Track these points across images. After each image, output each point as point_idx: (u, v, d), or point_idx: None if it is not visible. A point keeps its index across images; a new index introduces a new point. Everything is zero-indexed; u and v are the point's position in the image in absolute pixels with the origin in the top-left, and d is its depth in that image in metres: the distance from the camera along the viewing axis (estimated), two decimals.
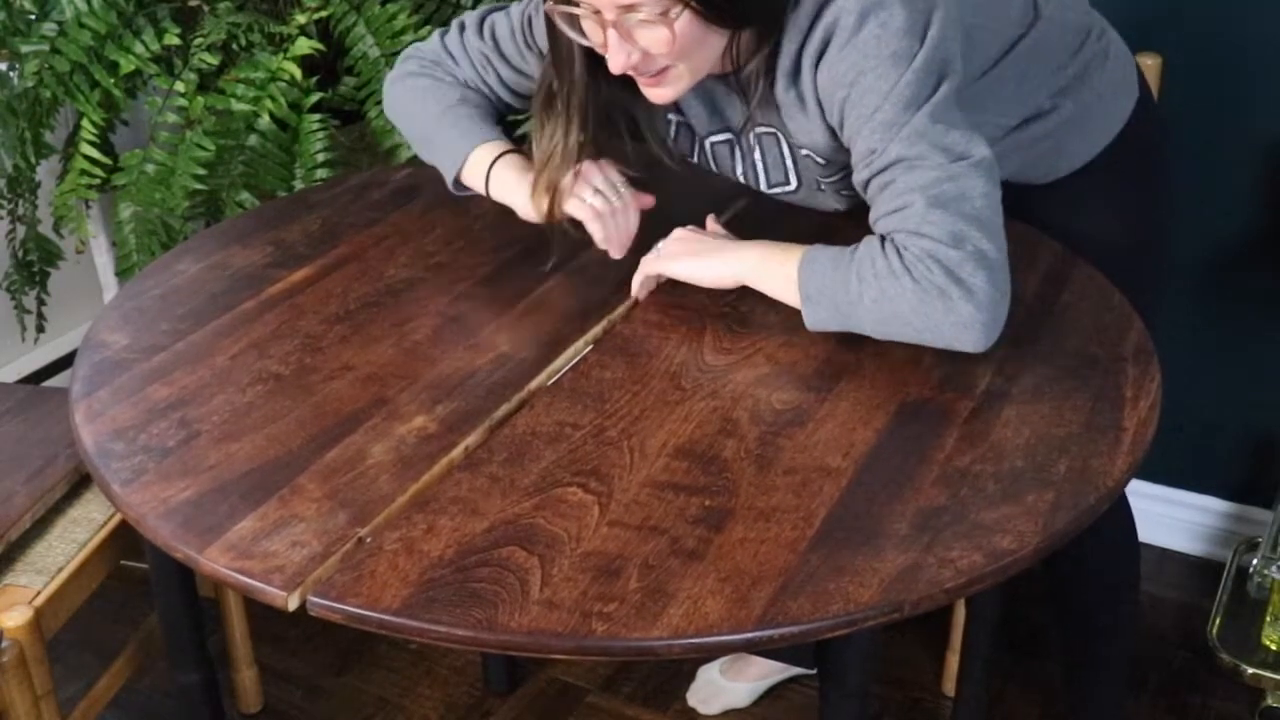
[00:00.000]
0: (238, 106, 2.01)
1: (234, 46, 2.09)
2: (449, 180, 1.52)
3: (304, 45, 2.02)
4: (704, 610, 0.98)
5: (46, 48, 2.06)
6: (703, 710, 2.01)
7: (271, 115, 2.02)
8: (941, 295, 1.21)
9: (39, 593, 1.49)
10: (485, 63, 1.54)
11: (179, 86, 2.05)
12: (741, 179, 1.48)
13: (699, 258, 1.38)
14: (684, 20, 1.26)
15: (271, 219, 1.65)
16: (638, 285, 1.41)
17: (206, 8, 2.13)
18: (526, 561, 1.03)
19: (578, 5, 1.29)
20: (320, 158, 2.02)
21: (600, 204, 1.41)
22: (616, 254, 1.45)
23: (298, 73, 2.02)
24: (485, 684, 2.05)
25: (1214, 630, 1.92)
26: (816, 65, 1.31)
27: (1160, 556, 2.29)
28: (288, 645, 2.15)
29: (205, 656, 1.46)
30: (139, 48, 2.06)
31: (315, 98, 2.07)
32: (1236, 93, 1.98)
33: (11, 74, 2.14)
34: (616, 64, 1.29)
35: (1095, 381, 1.26)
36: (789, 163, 1.43)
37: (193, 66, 2.04)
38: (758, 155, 1.44)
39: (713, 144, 1.47)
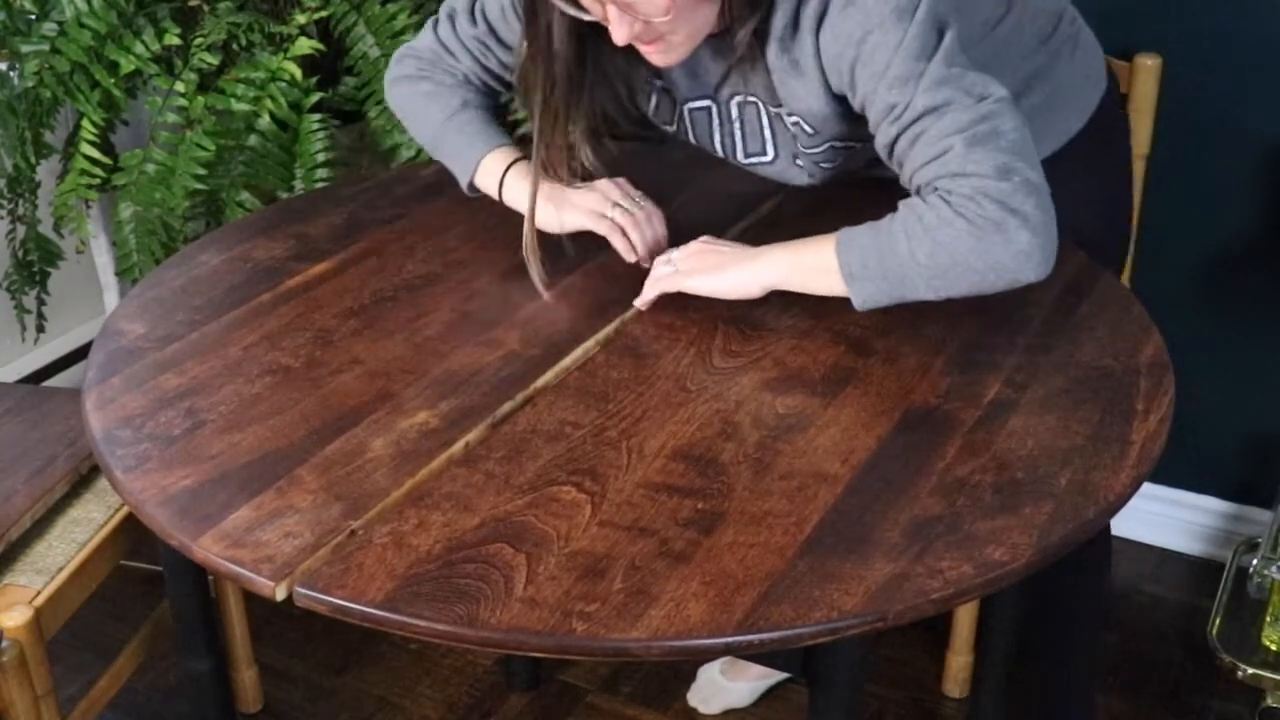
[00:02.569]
0: (238, 106, 2.02)
1: (234, 46, 2.10)
2: (463, 184, 1.54)
3: (304, 45, 2.03)
4: (685, 613, 0.97)
5: (46, 48, 2.07)
6: (703, 710, 2.00)
7: (271, 115, 2.03)
8: (998, 228, 1.21)
9: (39, 593, 1.49)
10: (484, 50, 1.53)
11: (179, 86, 2.06)
12: (719, 148, 1.47)
13: (720, 271, 1.36)
14: None
15: (298, 213, 1.66)
16: (649, 298, 1.39)
17: (206, 8, 2.14)
18: (513, 559, 1.03)
19: None
20: (320, 158, 2.03)
21: (622, 217, 1.40)
22: (647, 261, 1.43)
23: (298, 73, 2.03)
24: (507, 681, 2.06)
25: (1214, 630, 1.91)
26: (817, 29, 1.30)
27: (1160, 556, 2.28)
28: (288, 645, 2.15)
29: (215, 644, 1.48)
30: (139, 48, 2.07)
31: (315, 98, 2.07)
32: (1236, 93, 1.97)
33: (11, 74, 2.15)
34: (620, 36, 1.29)
35: (1106, 393, 1.24)
36: (767, 134, 1.43)
37: (193, 66, 2.05)
38: (736, 124, 1.44)
39: (691, 110, 1.46)
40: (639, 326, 1.38)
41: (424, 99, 1.55)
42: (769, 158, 1.44)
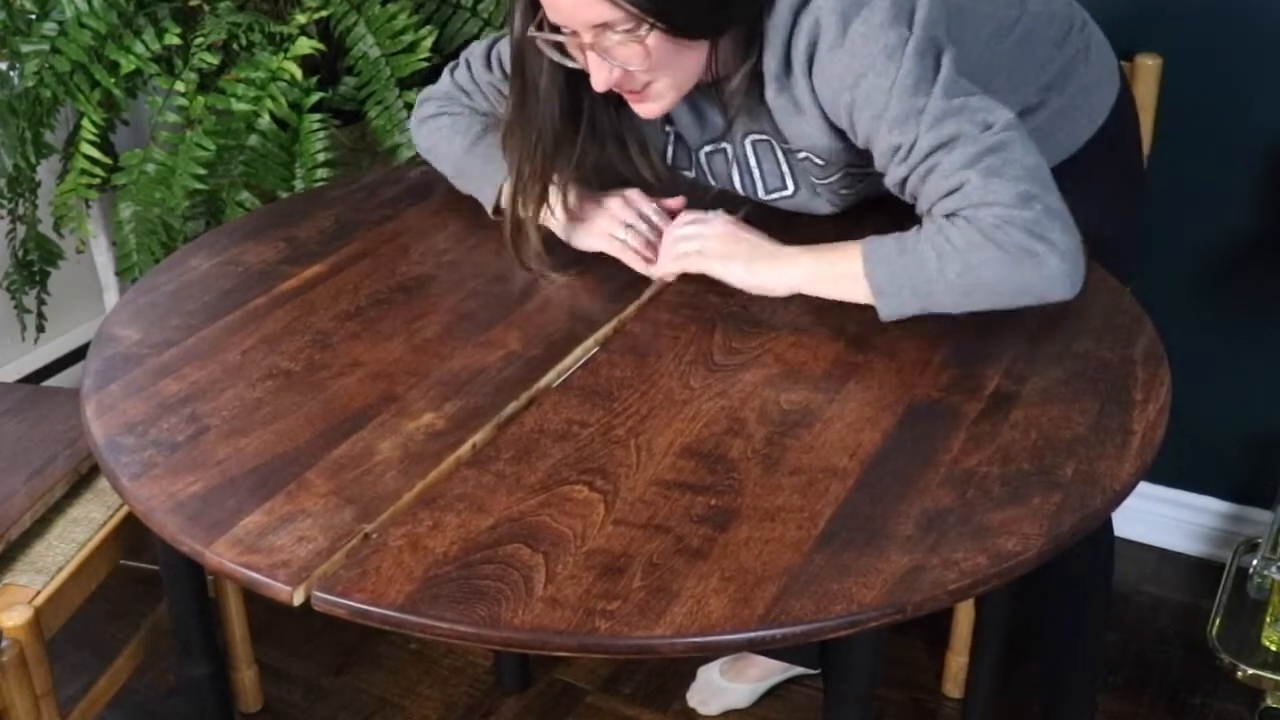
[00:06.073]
0: (238, 106, 2.02)
1: (234, 46, 2.10)
2: (489, 209, 1.54)
3: (304, 45, 2.03)
4: (707, 609, 0.98)
5: (47, 47, 2.06)
6: (702, 711, 2.00)
7: (272, 115, 2.03)
8: (1029, 255, 1.23)
9: (39, 592, 1.49)
10: (497, 94, 1.54)
11: (179, 86, 2.05)
12: (740, 188, 1.49)
13: (748, 264, 1.37)
14: (655, 37, 1.27)
15: (285, 216, 1.65)
16: (670, 273, 1.41)
17: (207, 7, 2.13)
18: (531, 559, 1.03)
19: (558, 31, 1.31)
20: (320, 158, 2.03)
21: (634, 239, 1.44)
22: (658, 273, 1.44)
23: (298, 73, 2.03)
24: (498, 682, 2.06)
25: (1214, 631, 1.92)
26: (809, 70, 1.31)
27: (1160, 557, 2.29)
28: (288, 645, 2.14)
29: (215, 649, 1.47)
30: (139, 47, 2.06)
31: (315, 98, 2.07)
32: (1236, 93, 1.98)
33: (12, 74, 2.14)
34: (599, 81, 1.32)
35: (1104, 384, 1.26)
36: (785, 168, 1.44)
37: (193, 66, 2.05)
38: (753, 162, 1.45)
39: (706, 154, 1.48)
40: (637, 325, 1.38)
41: (446, 132, 1.58)
42: (789, 191, 1.46)
